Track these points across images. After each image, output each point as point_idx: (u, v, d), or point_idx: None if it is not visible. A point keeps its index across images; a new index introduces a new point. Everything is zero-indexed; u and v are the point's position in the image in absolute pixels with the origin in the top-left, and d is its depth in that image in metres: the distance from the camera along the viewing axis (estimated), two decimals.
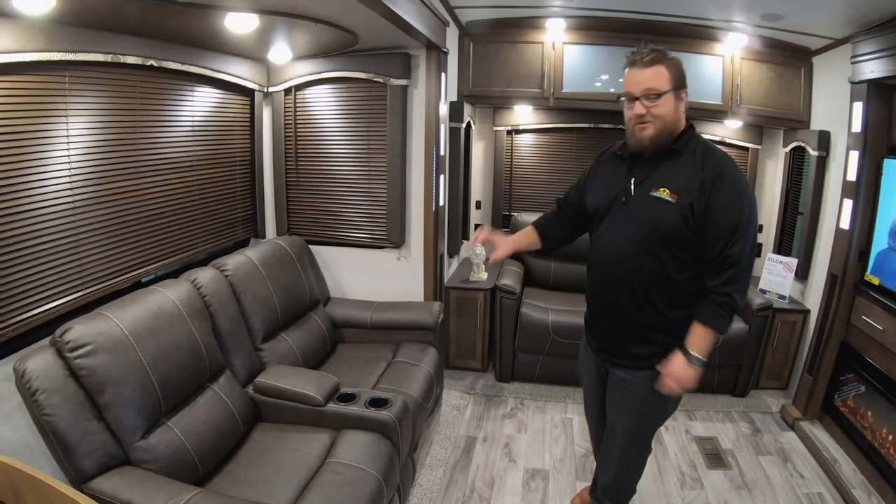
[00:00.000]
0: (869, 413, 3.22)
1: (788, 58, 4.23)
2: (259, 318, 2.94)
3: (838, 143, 3.79)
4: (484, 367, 4.38)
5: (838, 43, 3.77)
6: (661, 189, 2.00)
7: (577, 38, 4.25)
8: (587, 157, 4.79)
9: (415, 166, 3.64)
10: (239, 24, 2.55)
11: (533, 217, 4.50)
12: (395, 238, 3.69)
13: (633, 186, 2.07)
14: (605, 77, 4.33)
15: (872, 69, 3.19)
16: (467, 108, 4.36)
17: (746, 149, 4.78)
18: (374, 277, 3.85)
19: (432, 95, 3.49)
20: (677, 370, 2.02)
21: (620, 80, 4.02)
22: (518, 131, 4.96)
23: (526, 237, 2.56)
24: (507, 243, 2.47)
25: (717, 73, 4.26)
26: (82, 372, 1.93)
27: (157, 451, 2.07)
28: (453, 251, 4.36)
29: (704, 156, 2.00)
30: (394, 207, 3.64)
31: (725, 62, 4.25)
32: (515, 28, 4.25)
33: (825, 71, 4.06)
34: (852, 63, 3.40)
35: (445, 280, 4.23)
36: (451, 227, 4.27)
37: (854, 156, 3.41)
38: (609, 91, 4.31)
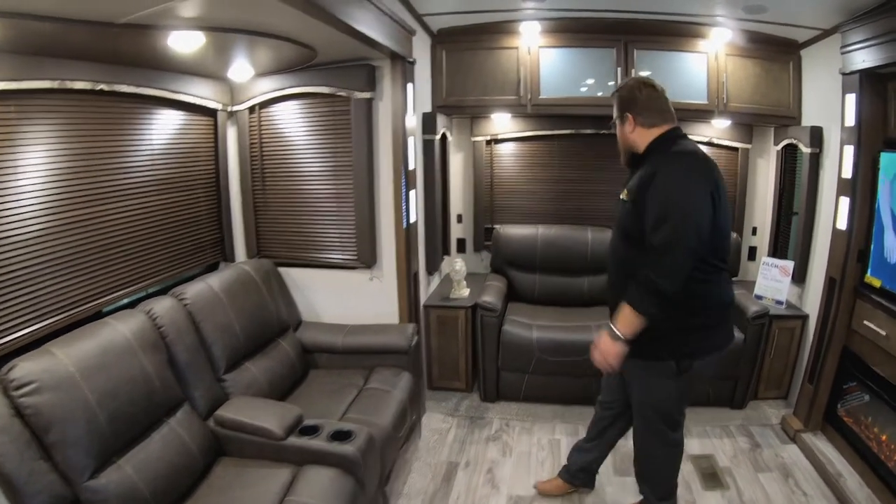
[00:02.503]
0: (874, 424, 3.19)
1: (775, 52, 4.24)
2: (221, 347, 2.95)
3: (832, 139, 3.80)
4: (468, 387, 4.39)
5: (827, 33, 3.78)
6: (624, 192, 2.43)
7: (553, 41, 4.29)
8: (570, 165, 4.93)
9: (383, 182, 3.66)
10: (184, 43, 2.56)
11: (516, 229, 4.69)
12: (365, 258, 3.71)
13: (621, 195, 2.48)
14: (584, 81, 4.36)
15: (864, 58, 3.17)
16: (442, 119, 4.40)
17: (736, 149, 4.79)
18: (347, 299, 3.86)
19: (398, 107, 3.51)
20: (600, 342, 2.37)
21: (607, 83, 4.24)
22: (497, 141, 4.98)
23: None
24: None
25: (701, 72, 4.28)
26: (27, 411, 1.95)
27: (107, 490, 2.08)
28: (433, 268, 4.39)
29: (654, 160, 2.33)
30: (362, 226, 3.66)
31: (710, 59, 4.25)
32: (489, 34, 4.28)
33: (814, 64, 4.08)
34: (843, 53, 3.38)
35: (425, 298, 4.26)
36: (429, 243, 4.29)
37: (849, 151, 3.40)
38: (591, 95, 4.34)
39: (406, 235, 3.65)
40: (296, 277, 3.90)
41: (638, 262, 2.26)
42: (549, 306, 4.64)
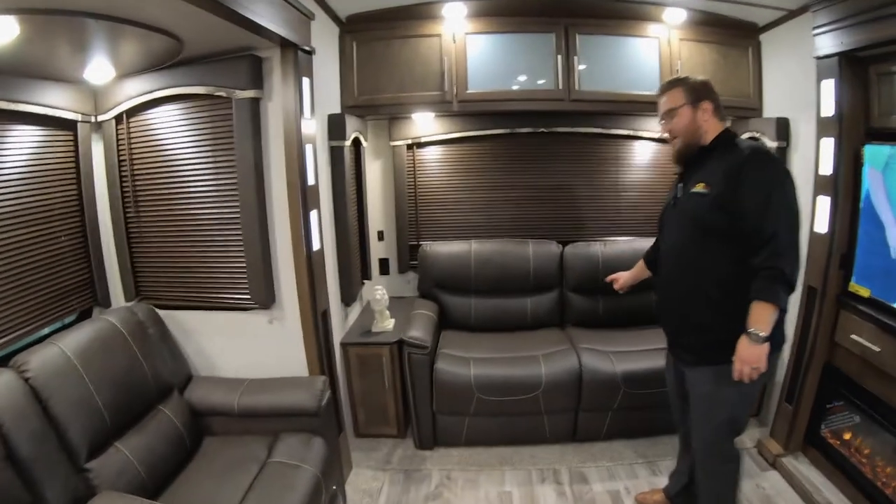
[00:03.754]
0: (866, 446, 3.04)
1: (733, 36, 3.99)
2: (79, 430, 2.32)
3: (800, 131, 3.58)
4: (401, 433, 3.89)
5: (792, 14, 3.56)
6: (698, 184, 2.40)
7: (482, 26, 3.83)
8: (505, 170, 4.50)
9: (276, 203, 3.06)
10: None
11: (446, 246, 4.46)
12: (259, 297, 3.10)
13: (680, 191, 2.53)
14: (519, 72, 3.92)
15: (842, 40, 2.97)
16: (353, 122, 3.86)
17: None
18: (245, 347, 3.26)
19: (292, 108, 2.90)
20: (742, 351, 2.26)
21: (546, 73, 3.81)
22: (420, 145, 4.48)
23: (638, 269, 3.18)
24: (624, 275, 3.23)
25: (653, 59, 3.95)
26: None
27: None
28: (350, 298, 3.83)
29: (732, 149, 2.37)
30: (253, 258, 3.04)
31: (662, 45, 3.94)
32: (406, 20, 3.79)
33: (776, 49, 3.87)
34: (815, 35, 3.16)
35: (343, 334, 3.75)
36: (342, 270, 3.74)
37: (827, 144, 3.19)
38: (527, 88, 3.90)
39: (309, 266, 3.04)
40: (184, 322, 3.26)
41: (722, 258, 2.33)
42: (488, 333, 4.19)
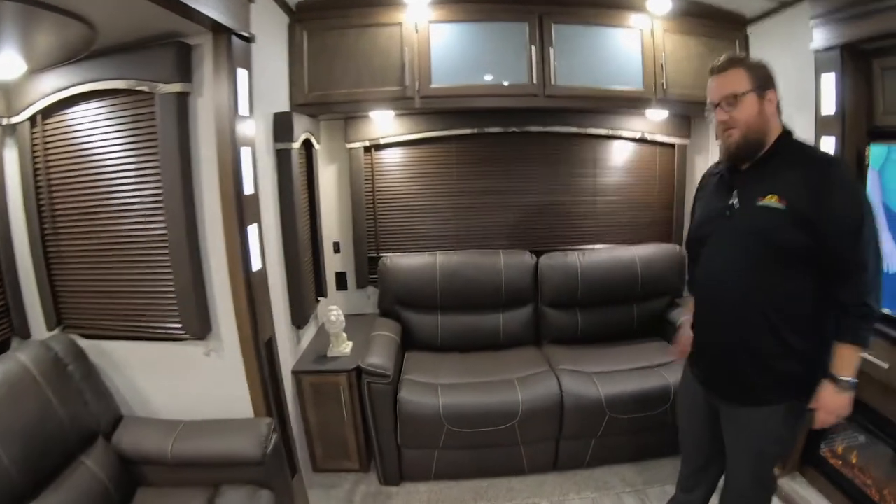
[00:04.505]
0: (872, 467, 2.88)
1: (720, 29, 3.73)
2: None
3: (793, 130, 3.26)
4: (363, 467, 3.51)
5: (784, 6, 3.36)
6: (769, 196, 2.01)
7: (448, 14, 3.49)
8: (472, 174, 4.16)
9: (209, 216, 2.62)
10: None
11: (408, 259, 4.05)
12: (192, 326, 2.65)
13: (735, 200, 2.11)
14: (489, 65, 3.57)
15: (845, 31, 2.77)
16: (304, 122, 3.45)
17: (672, 145, 4.26)
18: (181, 383, 2.82)
19: (226, 105, 2.47)
20: (830, 402, 2.03)
21: (518, 67, 3.49)
22: (379, 146, 4.06)
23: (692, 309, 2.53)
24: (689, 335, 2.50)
25: (634, 52, 3.67)
26: None
27: None
28: (302, 320, 3.41)
29: (809, 157, 2.05)
30: (183, 281, 2.60)
31: (644, 36, 3.66)
32: (363, 6, 3.43)
33: (765, 43, 3.63)
34: (814, 27, 2.95)
35: (296, 360, 3.37)
36: (292, 289, 3.33)
37: (828, 143, 2.98)
38: (497, 83, 3.55)
39: (248, 289, 2.61)
40: (113, 354, 2.80)
41: (795, 286, 2.02)
42: (457, 353, 3.83)
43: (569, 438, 3.36)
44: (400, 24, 3.41)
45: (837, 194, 1.92)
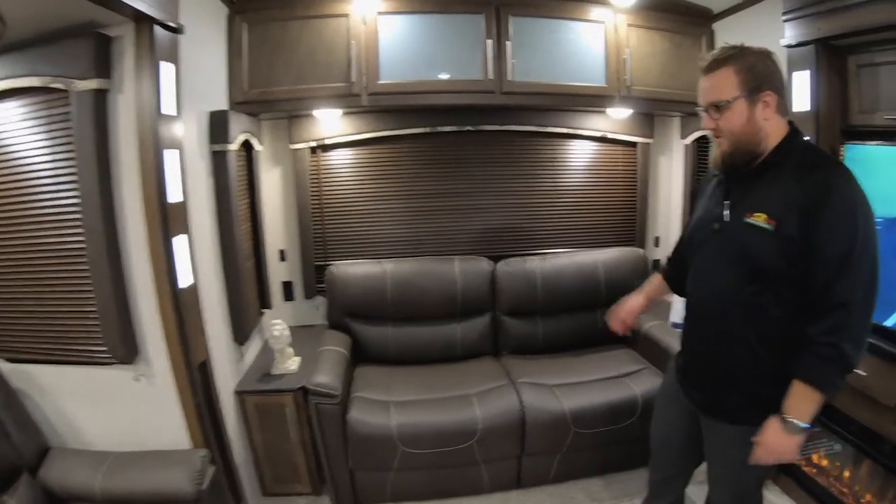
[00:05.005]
0: (848, 476, 2.86)
1: (685, 24, 3.66)
2: None
3: (799, 130, 3.28)
4: (316, 490, 3.28)
5: (752, 2, 3.30)
6: (757, 214, 1.85)
7: (398, 4, 3.29)
8: (425, 175, 3.96)
9: (131, 228, 2.34)
10: None
11: (358, 267, 3.78)
12: (117, 349, 2.37)
13: (727, 211, 1.96)
14: (442, 59, 3.37)
15: (820, 26, 2.67)
16: (242, 121, 3.18)
17: (634, 144, 4.12)
18: (110, 411, 2.54)
19: (147, 103, 2.20)
20: (771, 440, 1.86)
21: (474, 61, 3.37)
22: (325, 147, 3.79)
23: (655, 289, 2.52)
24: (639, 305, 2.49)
25: (597, 47, 3.53)
26: None
27: None
28: (244, 335, 3.16)
29: (810, 170, 1.81)
30: (105, 300, 2.32)
31: (608, 31, 3.53)
32: None
33: (730, 39, 3.38)
34: (787, 21, 2.86)
35: (239, 379, 3.11)
36: (233, 301, 3.07)
37: None
38: (451, 79, 3.36)
39: (177, 307, 2.35)
40: (39, 380, 2.52)
41: (779, 312, 1.85)
42: (410, 367, 3.59)
43: (532, 455, 3.18)
44: (347, 15, 3.19)
45: (828, 219, 1.73)
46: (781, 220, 1.77)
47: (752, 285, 1.86)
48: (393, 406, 3.08)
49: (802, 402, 1.80)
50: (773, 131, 1.84)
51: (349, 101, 3.29)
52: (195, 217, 2.61)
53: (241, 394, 3.04)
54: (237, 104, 3.18)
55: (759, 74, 1.81)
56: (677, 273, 2.31)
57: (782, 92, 1.84)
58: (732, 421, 2.00)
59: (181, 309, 2.36)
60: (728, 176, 1.98)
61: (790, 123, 1.89)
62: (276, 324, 3.11)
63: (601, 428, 3.15)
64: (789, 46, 2.86)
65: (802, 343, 1.78)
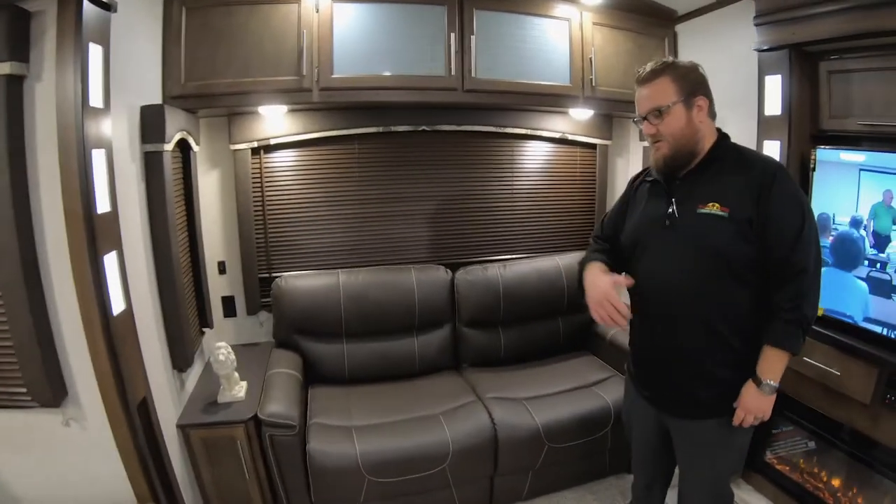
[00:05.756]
0: (825, 473, 2.86)
1: (649, 24, 3.61)
2: None
3: (728, 133, 3.28)
4: None
5: (721, 3, 3.27)
6: (710, 204, 1.96)
7: None
8: (379, 178, 3.67)
9: (51, 245, 1.96)
10: None
11: (307, 279, 3.43)
12: (41, 391, 1.97)
13: (675, 207, 2.03)
14: (400, 53, 3.10)
15: (794, 32, 2.71)
16: (179, 118, 2.80)
17: (593, 146, 3.98)
18: (40, 460, 2.16)
19: (71, 93, 1.83)
20: (750, 401, 2.00)
21: (434, 55, 3.16)
22: (270, 148, 3.42)
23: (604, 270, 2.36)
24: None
25: (562, 44, 3.38)
26: None
27: None
28: (185, 361, 2.78)
29: (749, 161, 1.98)
30: (23, 334, 1.93)
31: (573, 28, 3.39)
32: None
33: (695, 41, 3.62)
34: (757, 25, 2.90)
35: (179, 411, 2.72)
36: (171, 323, 2.69)
37: (772, 148, 2.91)
38: (409, 74, 3.09)
39: (108, 339, 1.97)
40: None
41: (741, 295, 1.97)
42: (367, 385, 3.31)
43: (505, 474, 2.97)
44: (298, 2, 2.87)
45: (778, 199, 1.90)
46: (733, 206, 1.91)
47: (714, 270, 1.95)
48: (355, 431, 2.80)
49: (776, 363, 1.95)
50: (707, 133, 2.00)
51: (299, 96, 2.98)
52: (127, 230, 2.23)
53: (184, 428, 2.65)
54: (173, 98, 2.80)
55: (693, 82, 1.97)
56: (609, 252, 2.33)
57: (711, 98, 2.01)
58: (707, 415, 2.07)
59: (114, 340, 1.99)
60: (667, 178, 2.07)
61: (720, 130, 2.07)
62: (221, 347, 2.74)
63: (576, 441, 3.00)
64: (761, 50, 2.90)
65: (770, 310, 1.94)
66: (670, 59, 2.04)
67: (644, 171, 2.30)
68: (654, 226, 2.09)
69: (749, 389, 2.00)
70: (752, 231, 1.90)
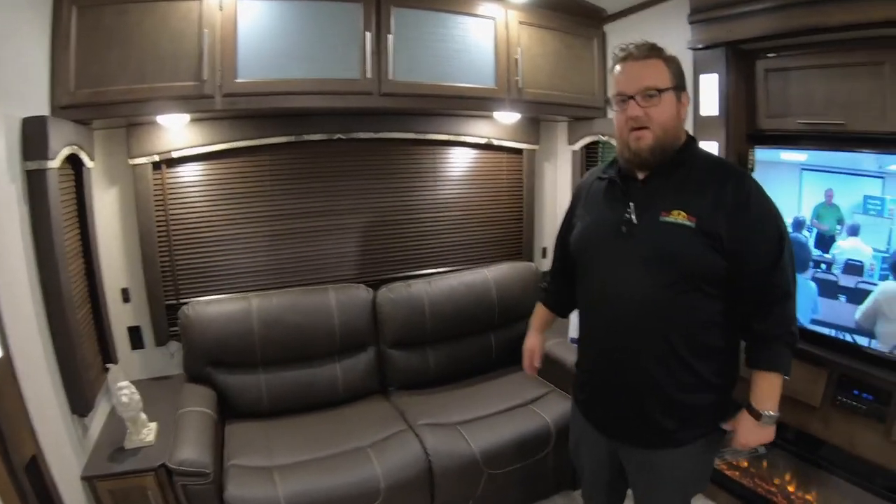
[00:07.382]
0: (777, 475, 2.88)
1: (578, 24, 3.55)
2: None
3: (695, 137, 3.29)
4: None
5: (651, 3, 3.23)
6: (675, 212, 1.78)
7: None
8: (291, 192, 3.43)
9: None
10: None
11: (218, 306, 3.14)
12: None
13: (633, 213, 1.83)
14: (312, 54, 2.88)
15: (731, 29, 2.67)
16: (68, 130, 2.47)
17: (520, 151, 3.90)
18: None
19: None
20: (748, 435, 1.87)
21: (350, 57, 2.96)
22: (172, 162, 3.09)
23: (543, 320, 2.46)
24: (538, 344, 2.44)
25: (486, 44, 3.26)
26: None
27: None
28: (85, 405, 2.45)
29: (720, 169, 1.83)
30: None
31: (498, 27, 3.27)
32: None
33: (622, 41, 3.39)
34: (692, 23, 2.86)
35: (83, 462, 2.40)
36: (66, 364, 2.36)
37: (709, 148, 2.67)
38: (322, 77, 2.90)
39: None
40: None
41: (706, 313, 1.80)
42: (289, 417, 3.05)
43: None
44: None
45: (754, 216, 1.75)
46: (701, 217, 1.75)
47: (677, 285, 1.78)
48: (277, 472, 2.56)
49: (772, 390, 1.84)
50: (682, 129, 1.86)
51: (200, 103, 2.70)
52: (4, 263, 1.93)
53: (90, 479, 2.35)
54: (63, 108, 2.47)
55: (681, 74, 1.84)
56: (560, 291, 2.30)
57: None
58: (668, 445, 1.90)
59: None
60: (625, 178, 1.91)
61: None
62: (123, 388, 2.44)
63: (517, 464, 2.89)
64: (696, 49, 2.86)
65: (756, 337, 1.82)
66: (656, 44, 1.86)
67: (592, 170, 2.17)
68: (609, 232, 1.90)
69: (746, 424, 1.87)
70: (722, 246, 1.74)
